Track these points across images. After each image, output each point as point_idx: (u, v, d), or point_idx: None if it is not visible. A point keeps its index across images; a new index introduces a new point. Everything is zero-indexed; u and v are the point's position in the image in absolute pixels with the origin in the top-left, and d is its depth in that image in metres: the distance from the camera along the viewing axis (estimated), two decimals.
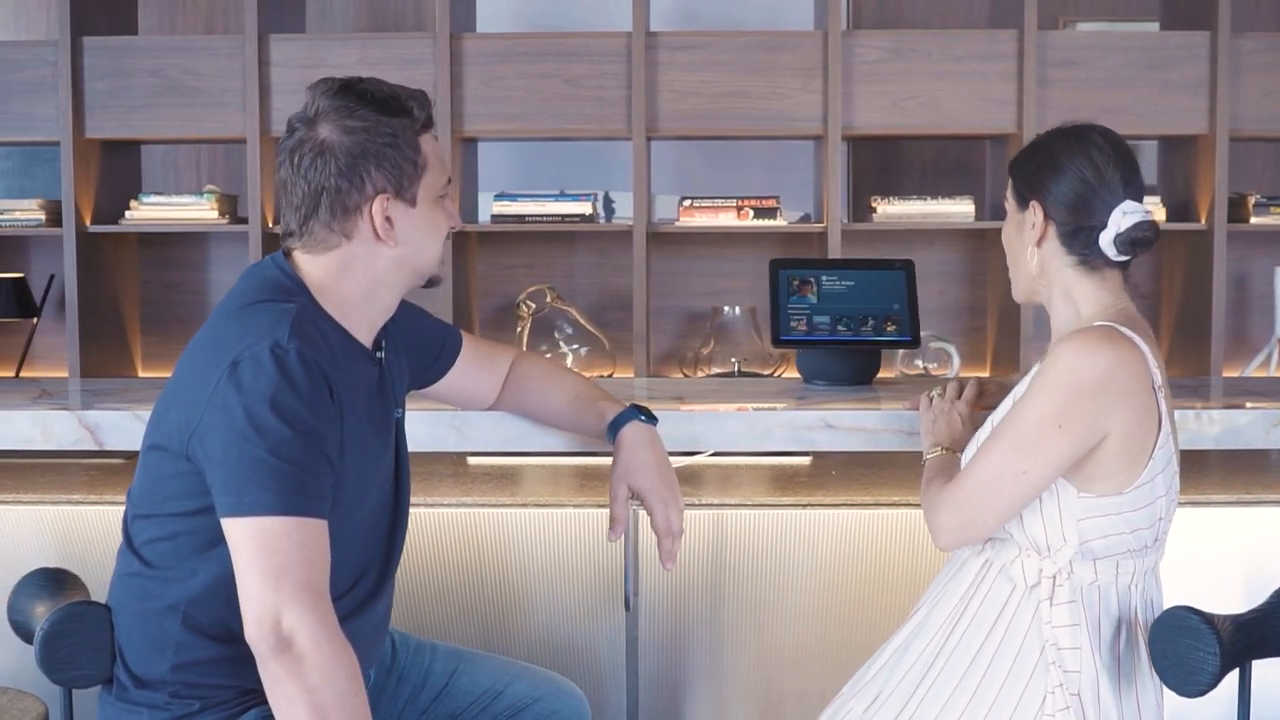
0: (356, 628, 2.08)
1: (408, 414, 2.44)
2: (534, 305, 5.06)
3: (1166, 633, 2.01)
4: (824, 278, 2.90)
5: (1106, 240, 2.09)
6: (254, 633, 1.82)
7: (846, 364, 2.88)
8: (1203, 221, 4.89)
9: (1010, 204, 2.21)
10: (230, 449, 1.85)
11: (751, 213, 4.97)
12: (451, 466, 3.08)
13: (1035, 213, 2.15)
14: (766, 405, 2.57)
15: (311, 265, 2.04)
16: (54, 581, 2.24)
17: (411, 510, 2.77)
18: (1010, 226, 2.23)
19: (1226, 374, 4.97)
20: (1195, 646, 1.97)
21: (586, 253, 5.35)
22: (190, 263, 5.35)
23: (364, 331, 2.08)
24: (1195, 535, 2.75)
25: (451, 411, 2.49)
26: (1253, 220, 4.98)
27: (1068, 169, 2.10)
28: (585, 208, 5.00)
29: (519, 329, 5.08)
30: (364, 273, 2.04)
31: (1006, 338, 5.04)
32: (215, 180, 5.59)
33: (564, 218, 5.00)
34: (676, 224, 5.01)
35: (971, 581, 2.15)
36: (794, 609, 2.82)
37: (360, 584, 2.10)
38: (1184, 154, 5.08)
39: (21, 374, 5.26)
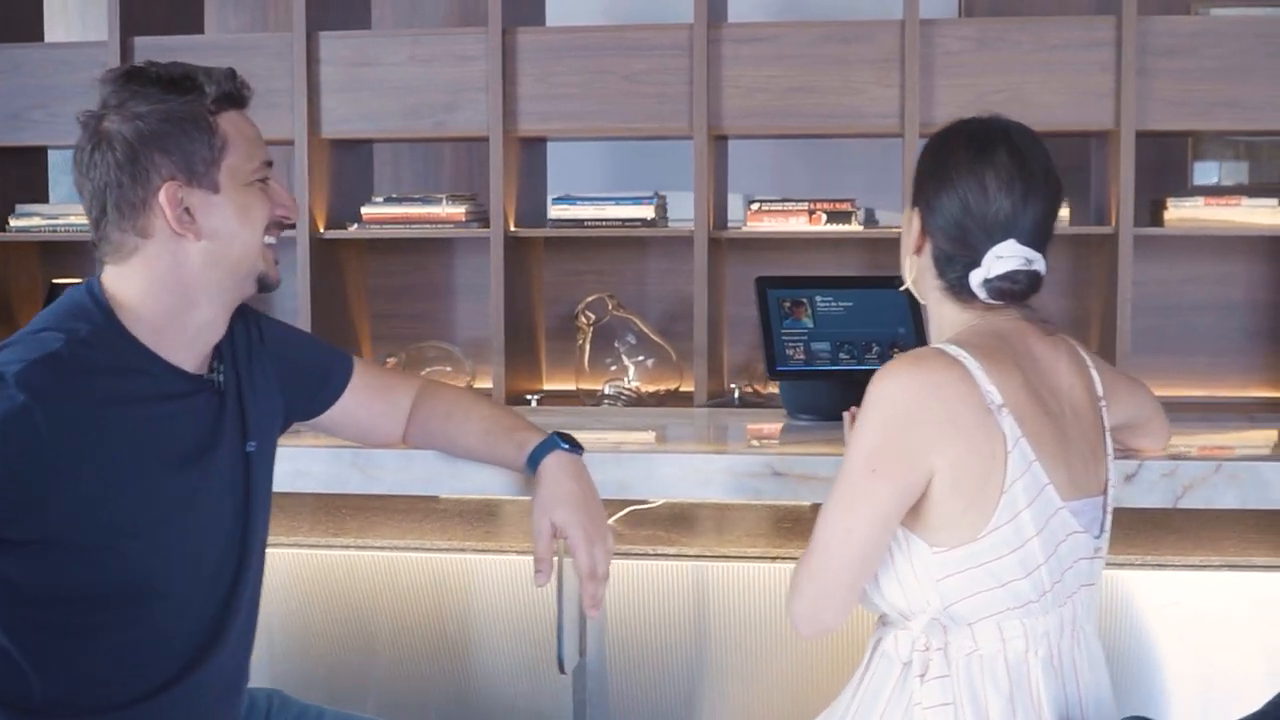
0: (182, 694, 1.86)
1: (304, 450, 2.23)
2: (594, 315, 4.78)
3: None
4: (818, 298, 2.57)
5: (976, 280, 1.81)
6: None
7: (837, 395, 2.54)
8: None
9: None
10: None
11: (824, 217, 4.62)
12: (410, 503, 2.81)
13: (915, 221, 1.88)
14: (712, 447, 2.26)
15: (119, 280, 1.84)
16: None
17: (326, 553, 2.57)
18: (905, 215, 1.95)
19: None
20: None
21: (657, 259, 5.05)
22: None
23: (185, 355, 1.87)
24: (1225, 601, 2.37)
25: (353, 449, 2.23)
26: None
27: (955, 187, 1.82)
28: (647, 211, 4.69)
29: (580, 340, 4.81)
30: (173, 278, 1.83)
31: (1109, 352, 4.60)
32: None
33: (624, 222, 4.71)
34: (743, 229, 4.68)
35: (864, 665, 1.84)
36: (787, 679, 2.49)
37: (185, 645, 1.87)
38: None
39: None
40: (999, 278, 1.81)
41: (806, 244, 4.84)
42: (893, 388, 1.76)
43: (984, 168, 1.81)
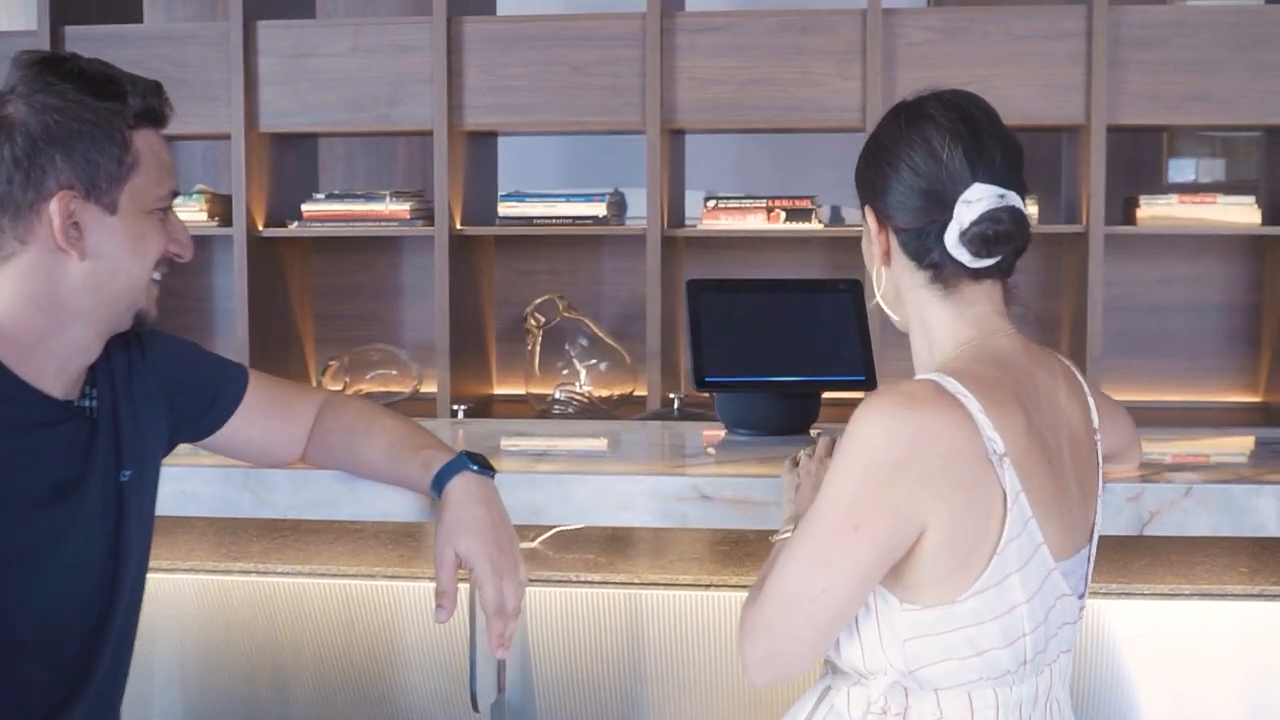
0: None
1: (191, 470, 2.05)
2: (544, 317, 4.58)
3: None
4: (752, 302, 2.37)
5: (953, 240, 1.57)
6: None
7: (776, 409, 2.35)
8: None
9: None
10: None
11: (783, 214, 4.43)
12: (322, 524, 2.61)
13: (870, 220, 1.65)
14: (634, 467, 2.07)
15: None
16: None
17: (226, 579, 2.39)
18: (864, 236, 1.71)
19: None
20: None
21: (612, 258, 4.86)
22: (181, 268, 4.96)
23: (52, 380, 1.68)
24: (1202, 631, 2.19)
25: (244, 469, 2.04)
26: None
27: (898, 158, 1.60)
28: (598, 209, 4.50)
29: (529, 344, 4.62)
30: (45, 295, 1.65)
31: (1080, 355, 4.43)
32: (211, 179, 5.20)
33: (575, 220, 4.51)
34: (699, 227, 4.49)
35: (807, 716, 1.64)
36: (729, 716, 2.31)
37: (43, 696, 1.70)
38: None
39: None
40: (976, 223, 1.56)
41: (768, 243, 4.66)
42: (880, 431, 1.49)
43: (920, 124, 1.60)
